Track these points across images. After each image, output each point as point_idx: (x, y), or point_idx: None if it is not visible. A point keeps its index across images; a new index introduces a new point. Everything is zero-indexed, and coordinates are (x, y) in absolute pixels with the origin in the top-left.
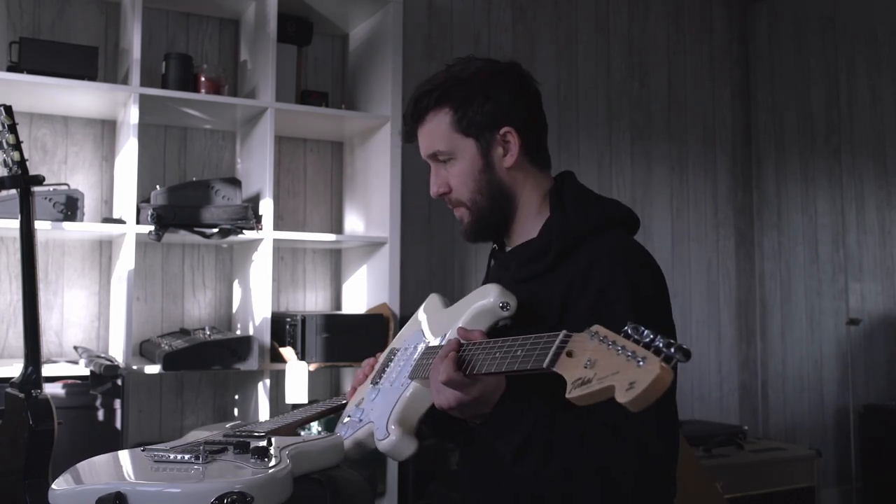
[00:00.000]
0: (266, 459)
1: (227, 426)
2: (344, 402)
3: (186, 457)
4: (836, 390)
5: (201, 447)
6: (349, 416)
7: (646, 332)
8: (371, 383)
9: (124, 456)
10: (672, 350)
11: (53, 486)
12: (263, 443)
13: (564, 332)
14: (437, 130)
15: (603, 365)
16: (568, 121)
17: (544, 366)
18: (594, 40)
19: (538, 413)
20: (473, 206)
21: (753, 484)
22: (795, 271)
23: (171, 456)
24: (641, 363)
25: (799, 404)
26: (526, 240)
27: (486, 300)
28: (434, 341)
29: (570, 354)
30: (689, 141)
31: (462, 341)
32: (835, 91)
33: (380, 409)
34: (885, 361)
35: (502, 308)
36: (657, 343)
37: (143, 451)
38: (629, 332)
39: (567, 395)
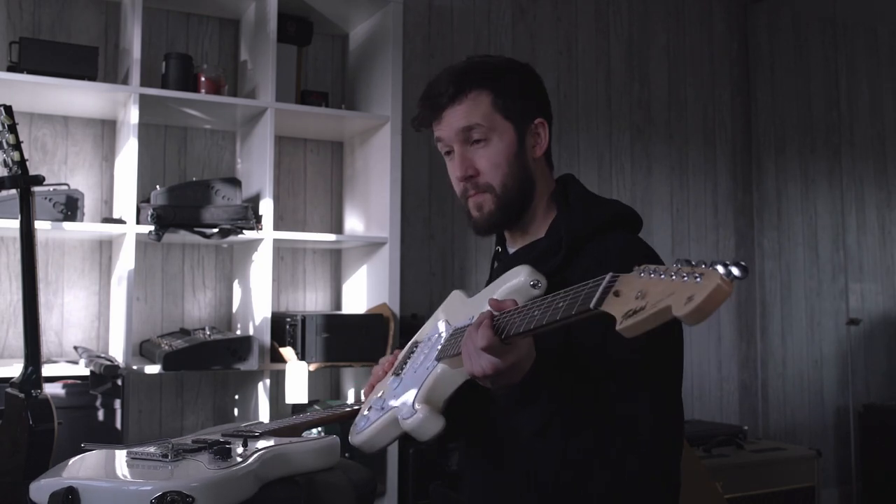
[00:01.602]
0: (227, 459)
1: (242, 426)
2: (351, 408)
3: (158, 454)
4: (836, 390)
5: (170, 446)
6: (371, 407)
7: (696, 260)
8: (393, 374)
9: (110, 453)
10: (729, 265)
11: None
12: (237, 443)
13: (612, 273)
14: (476, 108)
15: (655, 292)
16: (568, 121)
17: (591, 306)
18: (594, 40)
19: (562, 389)
20: (502, 191)
21: (753, 484)
22: (795, 271)
23: (147, 454)
24: (699, 279)
25: (799, 404)
26: (531, 240)
27: (517, 279)
28: (461, 324)
29: (617, 294)
30: (689, 141)
31: (495, 312)
32: (835, 91)
33: (405, 393)
34: (885, 361)
35: (534, 286)
36: (713, 261)
37: (130, 448)
38: (680, 262)
39: (618, 328)
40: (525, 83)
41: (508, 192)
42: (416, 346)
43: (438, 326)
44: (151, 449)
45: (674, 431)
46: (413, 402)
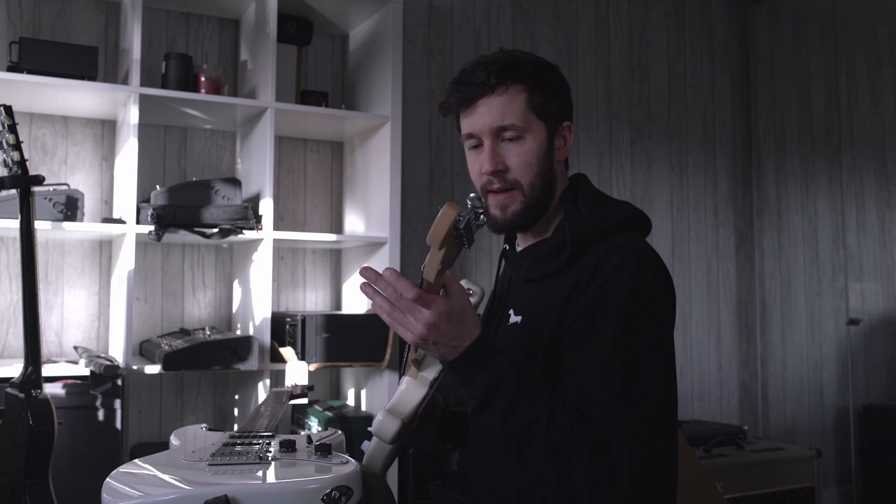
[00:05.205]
0: (330, 456)
1: (202, 427)
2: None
3: (247, 458)
4: (836, 390)
5: (261, 448)
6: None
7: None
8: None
9: (170, 459)
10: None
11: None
12: (326, 440)
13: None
14: (512, 105)
15: None
16: None
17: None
18: (594, 40)
19: (510, 361)
20: (530, 191)
21: (753, 484)
22: (795, 271)
23: (227, 460)
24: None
25: (799, 404)
26: (539, 239)
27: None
28: None
29: None
30: (689, 141)
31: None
32: (835, 91)
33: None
34: (885, 361)
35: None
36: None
37: (182, 458)
38: None
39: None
40: (558, 84)
41: (535, 192)
42: None
43: None
44: (214, 455)
45: (645, 434)
46: (383, 409)
